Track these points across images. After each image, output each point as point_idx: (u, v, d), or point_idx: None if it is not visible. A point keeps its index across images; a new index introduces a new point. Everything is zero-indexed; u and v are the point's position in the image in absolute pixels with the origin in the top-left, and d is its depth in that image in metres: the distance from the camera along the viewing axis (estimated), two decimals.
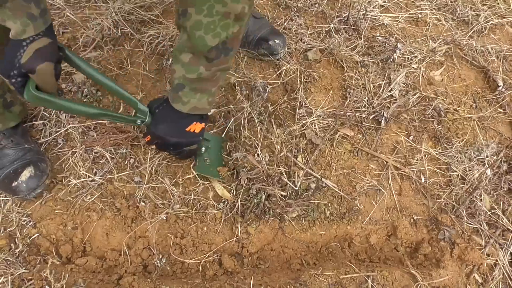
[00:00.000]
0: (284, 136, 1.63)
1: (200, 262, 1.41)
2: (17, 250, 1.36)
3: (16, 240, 1.39)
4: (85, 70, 1.24)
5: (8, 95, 1.38)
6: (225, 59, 1.15)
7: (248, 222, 1.45)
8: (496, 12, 2.18)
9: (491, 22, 2.12)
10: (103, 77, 1.27)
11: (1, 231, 1.40)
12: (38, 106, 1.11)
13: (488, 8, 2.20)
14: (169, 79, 1.73)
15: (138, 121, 1.32)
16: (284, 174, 1.50)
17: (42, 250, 1.39)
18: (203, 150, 1.50)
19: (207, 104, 1.26)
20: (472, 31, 2.08)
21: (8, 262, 1.34)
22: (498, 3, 2.23)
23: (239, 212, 1.46)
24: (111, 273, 1.37)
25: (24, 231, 1.41)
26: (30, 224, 1.42)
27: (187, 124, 1.29)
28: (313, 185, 1.51)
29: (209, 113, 1.36)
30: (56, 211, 1.44)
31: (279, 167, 1.51)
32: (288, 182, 1.49)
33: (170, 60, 1.76)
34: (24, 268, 1.33)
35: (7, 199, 1.45)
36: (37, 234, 1.40)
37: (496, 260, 1.48)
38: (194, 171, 1.53)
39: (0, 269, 1.31)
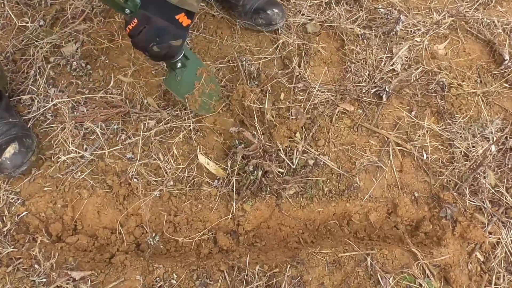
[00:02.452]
0: (280, 111, 1.60)
1: (195, 240, 1.40)
2: (5, 229, 1.35)
3: (4, 218, 1.37)
4: None
5: None
6: None
7: (244, 199, 1.44)
8: None
9: None
10: None
11: None
12: None
13: None
14: None
15: (127, 10, 1.24)
16: (282, 150, 1.48)
17: (31, 228, 1.37)
18: (178, 66, 1.44)
19: (194, 1, 1.28)
20: (478, 3, 2.04)
21: None
22: None
23: (234, 189, 1.44)
24: (103, 252, 1.36)
25: (13, 209, 1.39)
26: (18, 202, 1.40)
27: (176, 12, 1.28)
28: (311, 162, 1.49)
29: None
30: (46, 189, 1.42)
31: (276, 143, 1.48)
32: (285, 158, 1.47)
33: None
34: (12, 246, 1.32)
35: None
36: (25, 212, 1.38)
37: (499, 239, 1.47)
38: (162, 84, 1.52)
39: None
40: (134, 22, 1.23)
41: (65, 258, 1.31)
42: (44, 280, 1.26)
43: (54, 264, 1.29)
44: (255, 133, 1.45)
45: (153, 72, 1.67)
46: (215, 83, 1.58)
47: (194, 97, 1.50)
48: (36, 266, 1.28)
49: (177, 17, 1.28)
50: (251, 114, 1.52)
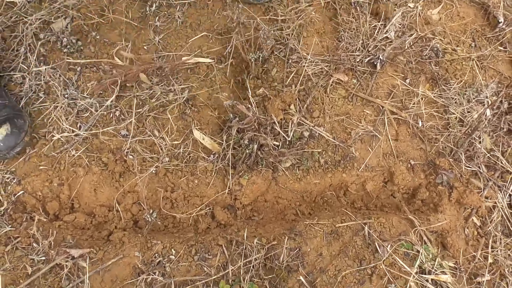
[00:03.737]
0: (276, 83, 1.53)
1: (192, 215, 1.35)
2: (2, 208, 1.30)
3: (1, 198, 1.32)
4: None
5: None
6: None
7: (240, 174, 1.38)
8: None
9: None
10: None
11: None
12: None
13: None
14: (153, 27, 1.60)
15: None
16: (277, 123, 1.41)
17: (28, 207, 1.32)
18: None
19: None
20: None
21: None
22: None
23: (230, 164, 1.38)
24: (101, 229, 1.31)
25: (9, 188, 1.33)
26: (14, 181, 1.34)
27: None
28: (306, 133, 1.42)
29: None
30: (41, 167, 1.36)
31: (271, 115, 1.41)
32: (280, 131, 1.40)
33: (154, 6, 1.63)
34: (10, 226, 1.27)
35: None
36: (22, 192, 1.33)
37: (495, 202, 1.42)
38: None
39: None
40: None
41: (63, 236, 1.26)
42: (43, 258, 1.21)
43: (52, 242, 1.24)
44: (249, 106, 1.38)
45: (145, 47, 1.58)
46: None
47: None
48: (34, 244, 1.24)
49: None
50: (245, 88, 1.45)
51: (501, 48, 1.72)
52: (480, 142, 1.49)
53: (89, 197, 1.35)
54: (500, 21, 1.74)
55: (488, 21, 1.79)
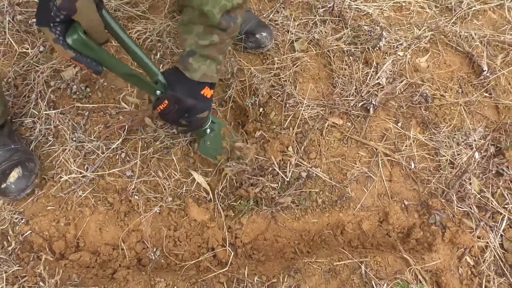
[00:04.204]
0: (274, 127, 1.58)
1: (194, 253, 1.36)
2: (9, 248, 1.31)
3: (9, 238, 1.33)
4: (112, 29, 1.09)
5: None
6: (235, 27, 1.18)
7: (240, 213, 1.40)
8: None
9: (473, 8, 2.06)
10: (128, 39, 1.14)
11: None
12: (78, 54, 0.98)
13: None
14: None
15: (158, 92, 1.23)
16: (276, 164, 1.45)
17: (35, 247, 1.33)
18: (208, 132, 1.44)
19: (215, 72, 1.24)
20: (455, 18, 2.03)
21: (1, 260, 1.29)
22: None
23: (230, 203, 1.41)
24: (105, 268, 1.32)
25: (17, 228, 1.35)
26: (22, 221, 1.36)
27: (200, 88, 1.26)
28: (304, 174, 1.46)
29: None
30: (49, 208, 1.38)
31: (271, 157, 1.45)
32: (279, 172, 1.44)
33: (158, 55, 1.70)
34: (17, 265, 1.28)
35: None
36: (29, 231, 1.34)
37: (487, 242, 1.44)
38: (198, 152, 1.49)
39: None
40: (165, 103, 1.23)
41: (69, 275, 1.27)
42: None
43: (58, 281, 1.25)
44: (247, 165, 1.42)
45: None
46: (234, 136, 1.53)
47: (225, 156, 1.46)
48: (41, 283, 1.24)
49: (202, 92, 1.26)
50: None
51: (487, 94, 1.78)
52: (470, 184, 1.52)
53: (94, 236, 1.36)
54: (484, 69, 1.81)
55: (473, 69, 1.86)
